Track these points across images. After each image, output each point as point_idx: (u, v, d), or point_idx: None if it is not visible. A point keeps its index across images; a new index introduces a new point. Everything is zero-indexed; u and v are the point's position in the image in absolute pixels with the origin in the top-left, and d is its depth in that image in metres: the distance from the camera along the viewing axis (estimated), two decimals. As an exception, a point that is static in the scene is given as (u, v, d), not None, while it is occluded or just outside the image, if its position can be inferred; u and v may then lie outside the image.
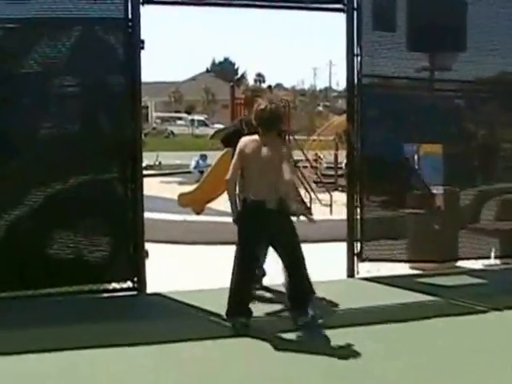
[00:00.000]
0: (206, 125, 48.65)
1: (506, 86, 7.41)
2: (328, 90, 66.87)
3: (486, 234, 7.28)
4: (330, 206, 11.97)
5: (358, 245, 6.85)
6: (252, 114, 5.24)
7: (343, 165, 15.95)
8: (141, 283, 6.15)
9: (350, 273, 6.84)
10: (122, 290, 6.13)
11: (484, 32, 6.99)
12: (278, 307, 5.69)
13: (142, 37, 6.06)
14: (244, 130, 5.71)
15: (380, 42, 6.75)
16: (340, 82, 68.28)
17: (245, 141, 5.18)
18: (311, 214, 6.47)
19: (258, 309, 5.38)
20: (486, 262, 7.32)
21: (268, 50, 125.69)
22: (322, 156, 18.96)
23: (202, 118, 52.06)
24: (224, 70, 74.51)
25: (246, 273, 5.19)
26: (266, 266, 6.08)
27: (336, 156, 17.66)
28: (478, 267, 7.25)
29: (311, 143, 19.55)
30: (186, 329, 5.25)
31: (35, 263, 5.85)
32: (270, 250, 5.47)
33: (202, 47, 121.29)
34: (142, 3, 6.04)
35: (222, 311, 5.22)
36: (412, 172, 7.74)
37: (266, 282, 6.21)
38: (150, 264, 6.24)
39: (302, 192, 11.72)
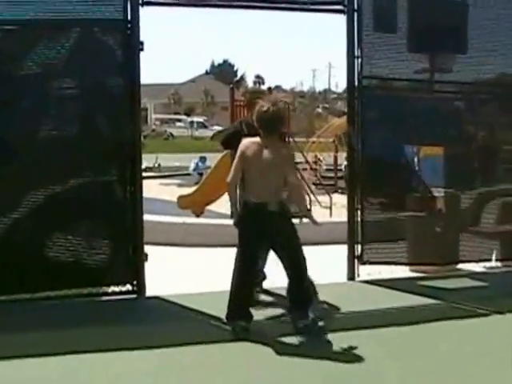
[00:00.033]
0: (206, 127, 48.74)
1: (506, 88, 7.39)
2: (327, 91, 67.01)
3: (486, 236, 7.26)
4: (330, 208, 11.93)
5: (359, 247, 6.82)
6: (254, 115, 5.19)
7: (343, 167, 16.00)
8: (140, 286, 6.12)
9: (351, 276, 6.81)
10: (121, 293, 6.09)
11: (484, 34, 6.98)
12: (278, 311, 5.64)
13: (141, 38, 6.05)
14: (244, 132, 5.68)
15: (380, 44, 6.73)
16: (339, 84, 68.49)
17: (246, 143, 5.13)
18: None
19: (259, 312, 5.35)
20: (487, 264, 7.29)
21: (267, 52, 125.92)
22: (321, 158, 18.95)
23: (201, 119, 52.16)
24: (223, 71, 74.63)
25: (247, 276, 5.14)
26: (266, 269, 6.05)
27: (336, 158, 17.66)
28: (479, 270, 7.23)
29: (311, 145, 19.54)
30: (186, 332, 5.21)
31: (34, 266, 5.81)
32: (271, 252, 5.44)
33: (201, 49, 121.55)
34: (141, 4, 6.02)
35: (222, 315, 5.19)
36: (413, 174, 7.71)
37: (266, 285, 6.18)
38: (149, 267, 6.20)
39: (302, 194, 11.68)
